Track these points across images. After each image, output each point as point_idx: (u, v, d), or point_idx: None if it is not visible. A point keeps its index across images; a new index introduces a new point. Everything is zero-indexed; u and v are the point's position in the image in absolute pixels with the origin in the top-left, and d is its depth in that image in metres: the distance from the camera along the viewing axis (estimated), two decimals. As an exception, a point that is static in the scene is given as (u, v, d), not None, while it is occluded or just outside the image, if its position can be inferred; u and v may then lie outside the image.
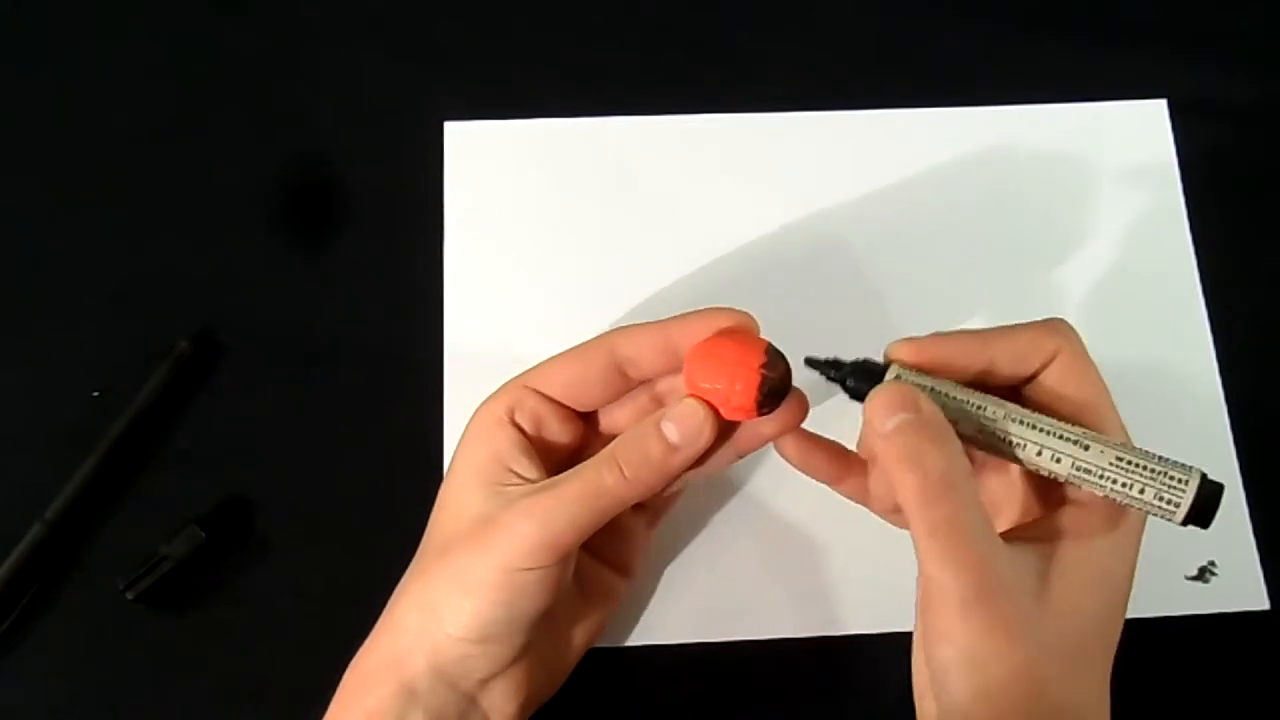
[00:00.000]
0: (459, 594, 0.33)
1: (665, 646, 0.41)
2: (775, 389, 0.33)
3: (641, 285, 0.46)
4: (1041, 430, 0.31)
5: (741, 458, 0.36)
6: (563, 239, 0.47)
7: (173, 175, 0.47)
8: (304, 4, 0.51)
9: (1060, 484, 0.33)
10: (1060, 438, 0.31)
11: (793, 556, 0.43)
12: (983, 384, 0.33)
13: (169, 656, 0.41)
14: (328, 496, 0.43)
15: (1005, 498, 0.35)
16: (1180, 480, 0.30)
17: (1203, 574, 0.42)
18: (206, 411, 0.44)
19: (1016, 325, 0.33)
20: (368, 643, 0.35)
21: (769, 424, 0.35)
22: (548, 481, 0.33)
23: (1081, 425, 0.31)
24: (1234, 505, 0.44)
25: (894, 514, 0.36)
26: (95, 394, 0.44)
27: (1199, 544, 0.43)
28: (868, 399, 0.31)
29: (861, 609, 0.42)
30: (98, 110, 0.48)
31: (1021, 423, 0.31)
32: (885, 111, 0.49)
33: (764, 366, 0.33)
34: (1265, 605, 0.42)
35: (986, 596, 0.29)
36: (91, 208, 0.47)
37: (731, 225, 0.47)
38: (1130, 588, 0.32)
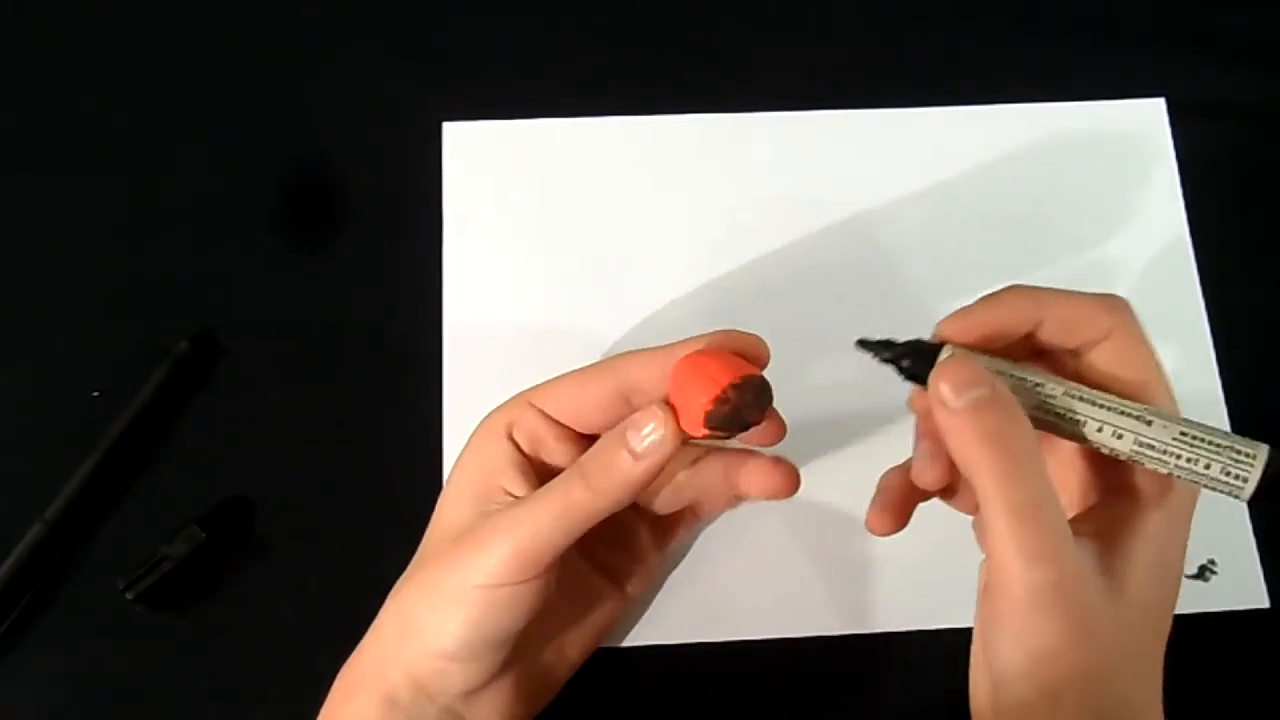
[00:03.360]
0: (432, 610, 0.32)
1: (665, 646, 0.41)
2: (728, 415, 0.31)
3: (640, 285, 0.46)
4: (1102, 406, 0.30)
5: (740, 502, 0.37)
6: (561, 239, 0.47)
7: (173, 175, 0.47)
8: (303, 4, 0.51)
9: (1114, 471, 0.32)
10: (1121, 413, 0.30)
11: (794, 556, 0.43)
12: (1031, 349, 0.32)
13: (169, 656, 0.41)
14: (328, 496, 0.43)
15: (1063, 484, 0.34)
16: (1248, 455, 0.29)
17: (1202, 572, 0.42)
18: (206, 411, 0.44)
19: (1074, 292, 0.32)
20: (357, 650, 0.35)
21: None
22: (523, 497, 0.33)
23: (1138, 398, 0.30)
24: (1233, 504, 0.43)
25: (942, 494, 0.35)
26: (95, 394, 0.44)
27: (1199, 542, 0.43)
28: (935, 373, 0.30)
29: (865, 608, 0.42)
30: (98, 110, 0.48)
31: (1082, 399, 0.30)
32: (882, 111, 0.49)
33: (731, 387, 0.31)
34: (1265, 604, 0.42)
35: (1063, 590, 0.28)
36: (91, 208, 0.47)
37: (730, 225, 0.47)
38: (1182, 575, 0.31)
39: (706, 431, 0.32)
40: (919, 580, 0.42)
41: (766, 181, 0.48)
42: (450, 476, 0.36)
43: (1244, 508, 0.43)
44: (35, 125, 0.48)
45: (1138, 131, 0.49)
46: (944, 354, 0.31)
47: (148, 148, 0.48)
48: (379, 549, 0.41)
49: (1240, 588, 0.42)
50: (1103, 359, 0.31)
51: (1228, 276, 0.47)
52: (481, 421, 0.36)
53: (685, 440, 0.32)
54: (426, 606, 0.33)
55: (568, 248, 0.47)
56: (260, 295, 0.46)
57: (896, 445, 0.41)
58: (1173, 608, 0.31)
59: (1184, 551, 0.31)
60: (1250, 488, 0.29)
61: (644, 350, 0.34)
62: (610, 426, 0.34)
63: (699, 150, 0.49)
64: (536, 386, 0.36)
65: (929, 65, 0.51)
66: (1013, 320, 0.31)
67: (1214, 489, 0.30)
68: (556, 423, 0.35)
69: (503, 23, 0.51)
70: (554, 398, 0.35)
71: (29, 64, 0.49)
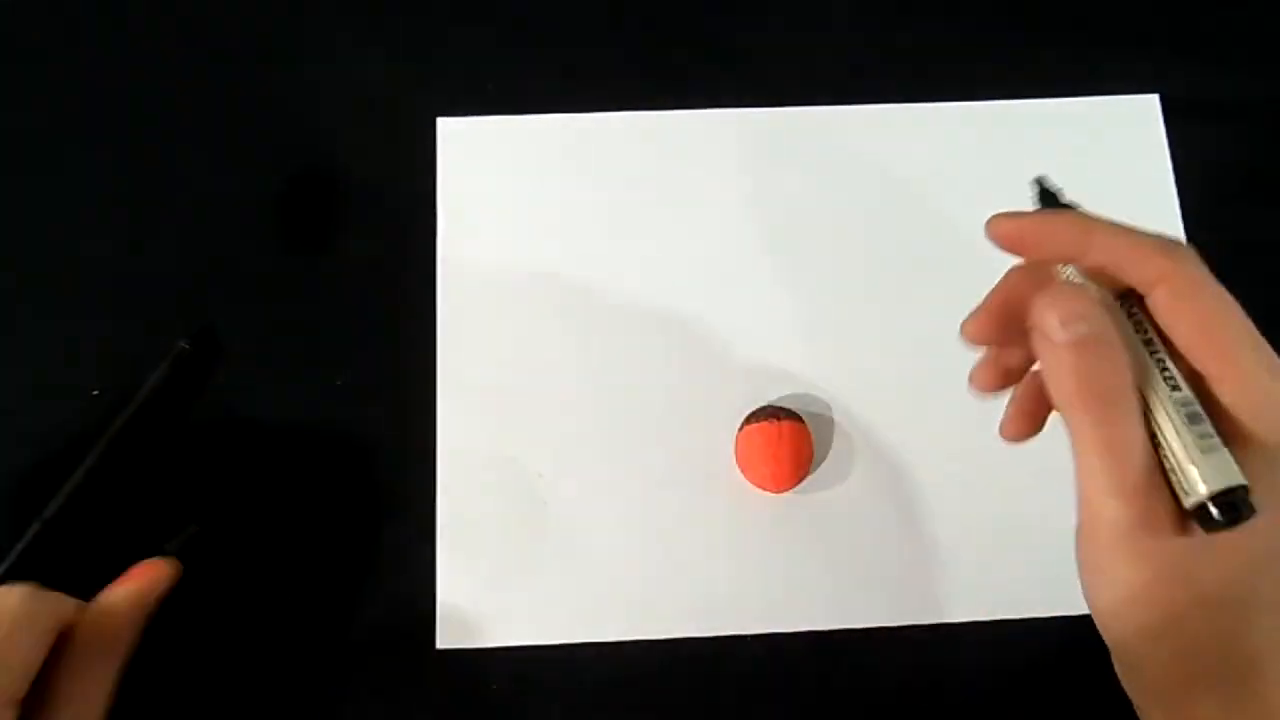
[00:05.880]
0: None
1: (663, 641, 0.42)
2: None
3: (636, 280, 0.46)
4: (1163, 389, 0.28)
5: None
6: (556, 233, 0.47)
7: (172, 175, 0.48)
8: (299, 2, 0.51)
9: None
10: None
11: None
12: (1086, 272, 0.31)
13: (169, 657, 0.41)
14: (327, 496, 0.43)
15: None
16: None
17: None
18: (206, 411, 0.44)
19: (1127, 228, 0.30)
20: None
21: None
22: None
23: (1201, 360, 0.29)
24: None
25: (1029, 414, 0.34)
26: (95, 394, 0.44)
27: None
28: (1044, 301, 0.29)
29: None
30: (97, 111, 0.48)
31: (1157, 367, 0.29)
32: (880, 107, 0.50)
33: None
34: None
35: (1144, 530, 0.27)
36: (92, 207, 0.47)
37: (725, 219, 0.47)
38: None
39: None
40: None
41: (763, 176, 0.48)
42: None
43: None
44: (35, 125, 0.48)
45: (1131, 127, 0.50)
46: (1063, 274, 0.31)
47: (146, 148, 0.48)
48: (378, 548, 0.42)
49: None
50: (1161, 308, 0.30)
51: (1222, 273, 0.47)
52: None
53: None
54: None
55: (562, 242, 0.47)
56: (259, 294, 0.46)
57: (894, 440, 0.41)
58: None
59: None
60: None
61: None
62: None
63: (697, 146, 0.49)
64: None
65: (923, 61, 0.51)
66: (1058, 236, 0.30)
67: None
68: None
69: (499, 18, 0.51)
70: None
71: (28, 64, 0.49)
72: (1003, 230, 0.31)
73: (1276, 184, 0.49)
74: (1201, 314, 0.29)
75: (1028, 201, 0.48)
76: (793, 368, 0.45)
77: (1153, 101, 0.50)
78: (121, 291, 0.46)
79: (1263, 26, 0.52)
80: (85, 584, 0.42)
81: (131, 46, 0.50)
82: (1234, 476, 0.27)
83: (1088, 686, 0.40)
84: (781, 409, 0.43)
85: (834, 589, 0.42)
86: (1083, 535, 0.29)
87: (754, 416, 0.43)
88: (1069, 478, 0.43)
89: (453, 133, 0.48)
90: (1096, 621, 0.30)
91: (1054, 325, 0.28)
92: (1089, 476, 0.28)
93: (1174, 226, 0.48)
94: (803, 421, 0.42)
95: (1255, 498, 0.27)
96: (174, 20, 0.50)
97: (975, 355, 0.47)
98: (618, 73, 0.50)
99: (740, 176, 0.48)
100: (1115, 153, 0.49)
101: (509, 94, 0.49)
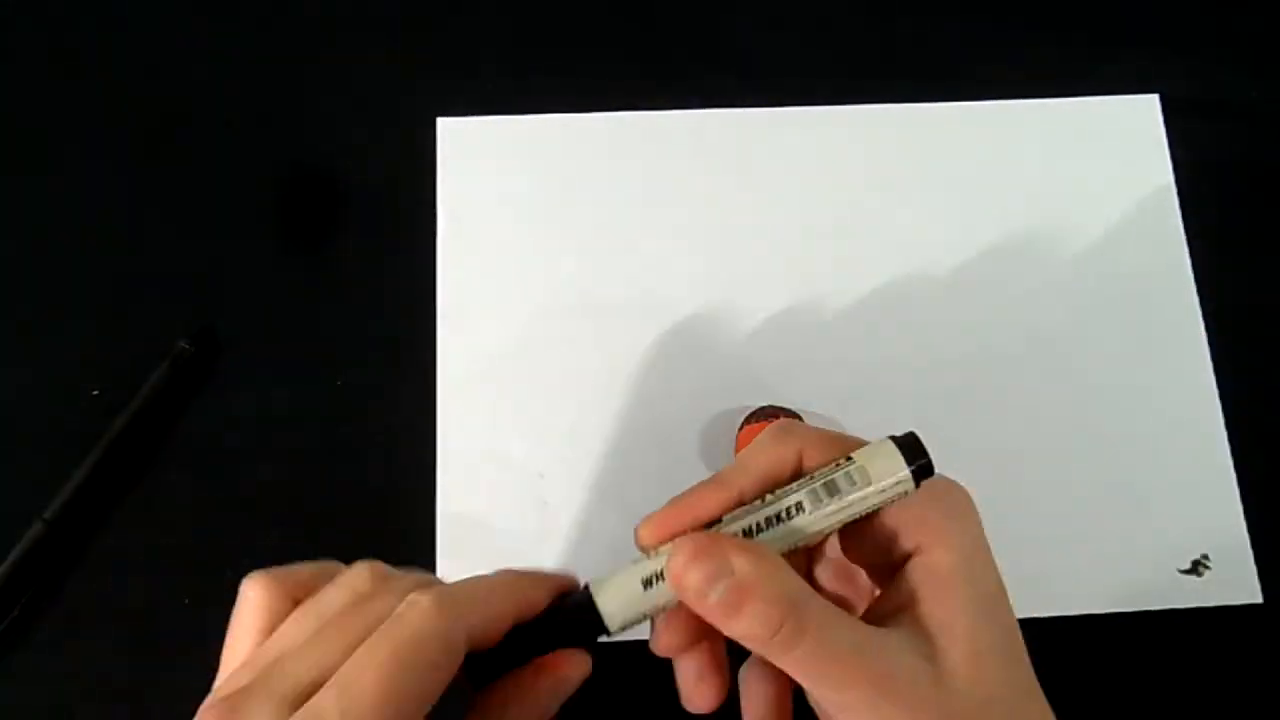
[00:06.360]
0: None
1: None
2: None
3: (635, 280, 0.46)
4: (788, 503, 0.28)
5: None
6: (556, 233, 0.47)
7: (172, 175, 0.48)
8: (299, 1, 0.51)
9: (898, 554, 0.29)
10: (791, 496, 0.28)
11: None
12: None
13: (169, 657, 0.41)
14: (327, 495, 0.43)
15: (854, 594, 0.32)
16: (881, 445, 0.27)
17: (1196, 568, 0.43)
18: (206, 411, 0.44)
19: (751, 452, 0.29)
20: None
21: None
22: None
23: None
24: (1227, 499, 0.44)
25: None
26: (95, 394, 0.44)
27: (1192, 538, 0.43)
28: (670, 571, 0.27)
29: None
30: (97, 111, 0.48)
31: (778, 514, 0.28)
32: (879, 106, 0.50)
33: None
34: (1258, 599, 0.43)
35: (892, 694, 0.26)
36: (92, 208, 0.47)
37: (726, 220, 0.48)
38: (1001, 584, 0.29)
39: None
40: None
41: (763, 176, 0.48)
42: None
43: (1238, 503, 0.44)
44: (35, 125, 0.48)
45: (1132, 127, 0.50)
46: (668, 551, 0.28)
47: (146, 148, 0.48)
48: (378, 547, 0.42)
49: (1233, 583, 0.43)
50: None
51: (1221, 272, 0.47)
52: None
53: None
54: None
55: (562, 243, 0.47)
56: (259, 294, 0.46)
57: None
58: (1009, 612, 0.29)
59: (995, 575, 0.29)
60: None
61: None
62: None
63: (697, 146, 0.49)
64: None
65: (923, 61, 0.51)
66: (708, 514, 0.29)
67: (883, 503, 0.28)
68: None
69: (499, 18, 0.51)
70: None
71: (28, 64, 0.49)
72: (650, 537, 0.29)
73: (1277, 184, 0.49)
74: (831, 449, 0.28)
75: (1025, 200, 0.48)
76: (793, 367, 0.45)
77: (1153, 101, 0.50)
78: (121, 291, 0.46)
79: (1263, 26, 0.52)
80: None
81: (131, 46, 0.50)
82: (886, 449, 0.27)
83: (1084, 686, 0.40)
84: (781, 409, 0.43)
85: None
86: None
87: (754, 416, 0.43)
88: (1064, 480, 0.44)
89: (453, 133, 0.48)
90: None
91: (699, 592, 0.27)
92: (814, 689, 0.27)
93: (1174, 226, 0.48)
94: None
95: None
96: (174, 20, 0.50)
97: (978, 353, 0.47)
98: (618, 73, 0.50)
99: (740, 176, 0.48)
100: (1115, 153, 0.49)
101: (509, 94, 0.49)
